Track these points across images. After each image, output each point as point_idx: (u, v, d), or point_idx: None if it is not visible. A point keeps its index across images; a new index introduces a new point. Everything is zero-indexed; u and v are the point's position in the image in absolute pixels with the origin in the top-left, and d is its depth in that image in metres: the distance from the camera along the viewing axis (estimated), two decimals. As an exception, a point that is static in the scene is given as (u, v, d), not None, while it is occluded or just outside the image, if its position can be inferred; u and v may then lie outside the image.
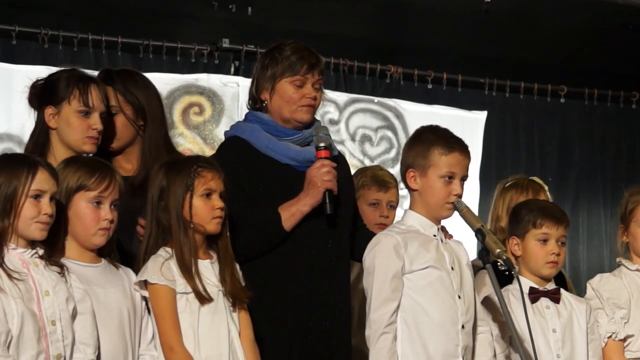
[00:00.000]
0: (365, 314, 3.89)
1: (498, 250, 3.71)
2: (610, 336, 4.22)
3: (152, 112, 4.28)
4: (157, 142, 4.26)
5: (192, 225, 3.71)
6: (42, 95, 4.04)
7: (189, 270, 3.66)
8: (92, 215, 3.59)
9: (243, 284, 3.80)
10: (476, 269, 4.20)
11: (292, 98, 4.09)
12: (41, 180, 3.42)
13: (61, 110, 3.98)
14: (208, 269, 3.74)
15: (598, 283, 4.36)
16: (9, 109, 5.98)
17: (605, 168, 7.54)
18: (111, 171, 3.65)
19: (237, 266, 3.82)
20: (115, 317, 3.59)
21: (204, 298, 3.66)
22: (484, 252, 3.79)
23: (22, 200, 3.39)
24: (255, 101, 4.19)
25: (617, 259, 4.45)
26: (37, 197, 3.41)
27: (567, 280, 4.65)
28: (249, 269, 3.90)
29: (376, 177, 4.82)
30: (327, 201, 3.99)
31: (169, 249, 3.70)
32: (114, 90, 4.23)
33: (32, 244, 3.46)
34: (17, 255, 3.41)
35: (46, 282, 3.42)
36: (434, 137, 3.94)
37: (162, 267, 3.64)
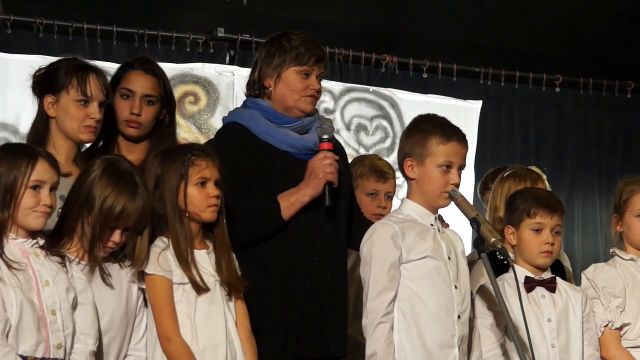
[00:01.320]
0: (362, 303, 3.89)
1: (493, 240, 3.70)
2: (607, 325, 4.21)
3: (175, 107, 4.38)
4: (175, 135, 4.35)
5: (187, 215, 3.71)
6: (42, 84, 4.04)
7: (185, 260, 3.65)
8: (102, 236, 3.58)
9: (239, 273, 3.79)
10: (474, 260, 4.20)
11: (297, 88, 4.11)
12: (41, 172, 3.41)
13: (60, 99, 3.97)
14: (205, 259, 3.73)
15: (593, 273, 4.35)
16: (5, 99, 5.98)
17: (601, 158, 7.54)
18: (139, 200, 3.56)
19: (234, 256, 3.82)
20: (104, 322, 3.57)
21: (200, 288, 3.66)
22: (479, 241, 3.78)
23: (21, 191, 3.38)
24: (255, 88, 4.18)
25: (611, 250, 4.44)
26: (37, 187, 3.40)
27: (565, 270, 4.64)
28: (246, 257, 3.90)
29: (375, 167, 4.81)
30: (327, 194, 3.99)
31: (165, 239, 3.70)
32: (158, 80, 4.29)
33: (33, 234, 3.45)
34: (18, 246, 3.41)
35: (46, 272, 3.42)
36: (431, 127, 3.93)
37: (159, 257, 3.64)
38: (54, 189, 3.45)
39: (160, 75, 4.31)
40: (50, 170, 3.44)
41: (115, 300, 3.61)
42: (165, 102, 4.30)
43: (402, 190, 6.40)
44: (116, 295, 3.62)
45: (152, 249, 3.67)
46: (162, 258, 3.64)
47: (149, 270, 3.63)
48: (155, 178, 3.73)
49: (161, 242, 3.69)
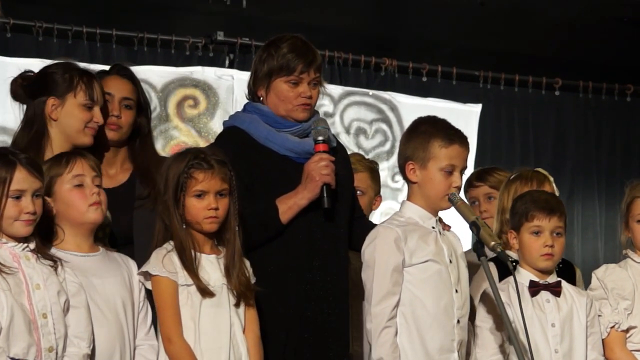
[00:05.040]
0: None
1: (493, 243, 3.69)
2: (613, 326, 4.19)
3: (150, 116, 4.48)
4: (153, 145, 4.49)
5: (184, 225, 3.71)
6: (37, 87, 4.08)
7: (189, 264, 3.66)
8: (78, 195, 3.60)
9: (253, 281, 3.79)
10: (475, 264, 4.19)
11: (287, 97, 4.07)
12: (20, 180, 3.39)
13: (65, 102, 4.03)
14: (213, 264, 3.73)
15: (603, 273, 4.32)
16: (4, 102, 5.93)
17: (600, 161, 7.54)
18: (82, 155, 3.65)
19: (247, 263, 3.81)
20: (112, 307, 3.61)
21: (205, 292, 3.66)
22: (478, 244, 3.78)
23: (2, 200, 3.37)
24: (253, 96, 4.18)
25: (624, 251, 4.40)
26: (18, 197, 3.39)
27: (576, 273, 4.61)
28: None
29: None
30: (325, 195, 3.97)
31: (172, 242, 3.71)
32: (135, 85, 4.36)
33: (23, 238, 3.45)
34: (8, 250, 3.42)
35: (37, 275, 3.42)
36: (433, 129, 3.92)
37: (164, 259, 3.65)
38: (37, 194, 3.43)
39: (136, 81, 4.36)
40: (29, 177, 3.41)
41: (119, 285, 3.66)
42: (140, 108, 4.33)
43: (401, 194, 6.41)
44: (119, 281, 3.66)
45: (158, 250, 3.69)
46: (167, 259, 3.65)
47: (154, 270, 3.64)
48: (164, 181, 3.75)
49: (168, 245, 3.71)
